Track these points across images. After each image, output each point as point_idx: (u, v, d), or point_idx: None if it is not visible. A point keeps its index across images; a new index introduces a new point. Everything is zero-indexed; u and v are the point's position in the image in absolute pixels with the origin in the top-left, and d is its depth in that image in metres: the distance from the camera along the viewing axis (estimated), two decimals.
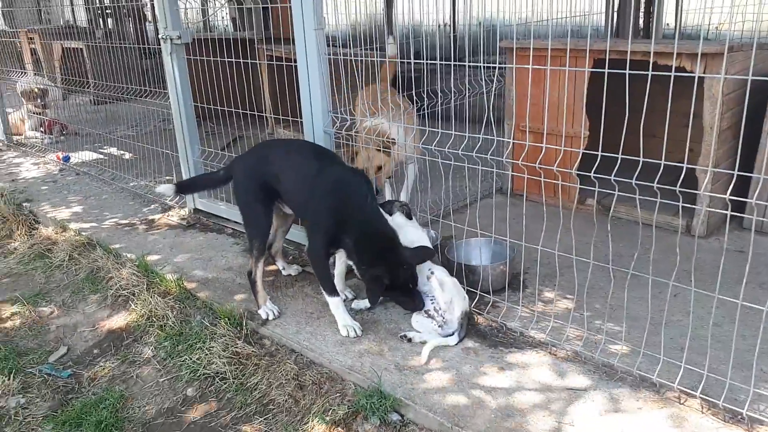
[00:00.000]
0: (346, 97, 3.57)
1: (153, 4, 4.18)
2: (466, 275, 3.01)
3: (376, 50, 4.43)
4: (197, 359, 2.85)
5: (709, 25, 5.69)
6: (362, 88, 3.64)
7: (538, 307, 2.91)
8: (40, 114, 7.02)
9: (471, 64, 2.83)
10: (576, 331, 2.68)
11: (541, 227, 2.62)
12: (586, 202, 4.04)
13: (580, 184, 3.65)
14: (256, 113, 4.06)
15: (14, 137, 7.14)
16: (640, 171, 2.19)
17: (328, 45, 3.34)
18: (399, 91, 4.12)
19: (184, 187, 3.75)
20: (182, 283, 3.40)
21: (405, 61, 3.97)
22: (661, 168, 2.16)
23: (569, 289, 2.97)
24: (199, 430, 2.55)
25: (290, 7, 3.25)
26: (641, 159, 2.19)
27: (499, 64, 3.60)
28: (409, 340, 2.74)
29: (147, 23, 9.62)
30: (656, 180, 2.19)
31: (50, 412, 2.72)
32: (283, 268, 3.47)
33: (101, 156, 6.22)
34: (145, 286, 3.45)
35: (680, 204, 2.14)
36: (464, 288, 2.88)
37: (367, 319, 2.96)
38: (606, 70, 2.36)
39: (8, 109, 7.18)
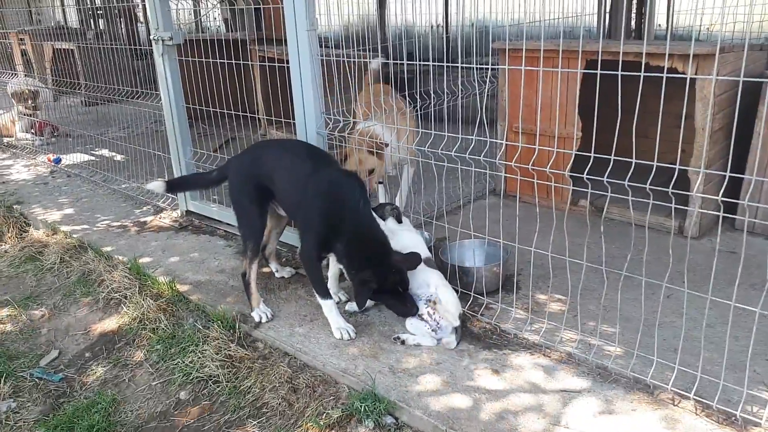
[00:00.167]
0: (339, 98, 3.56)
1: (144, 4, 4.16)
2: (459, 277, 3.01)
3: (369, 51, 4.42)
4: (190, 362, 2.83)
5: (700, 26, 5.72)
6: (359, 90, 3.64)
7: (531, 309, 2.91)
8: (30, 116, 6.97)
9: (464, 65, 2.83)
10: (569, 333, 2.68)
11: (535, 228, 2.62)
12: (579, 203, 4.05)
13: (573, 186, 3.65)
14: (248, 114, 4.05)
15: (5, 139, 7.11)
16: (633, 172, 2.20)
17: (321, 46, 3.34)
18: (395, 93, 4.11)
19: (174, 185, 3.70)
20: (174, 286, 3.38)
21: (398, 62, 3.97)
22: (654, 169, 2.17)
23: (563, 290, 2.97)
24: None
25: (282, 7, 3.24)
26: (634, 160, 2.19)
27: (492, 65, 3.61)
28: (403, 342, 2.73)
29: (138, 24, 9.57)
30: (649, 181, 2.20)
31: (42, 416, 2.70)
32: (277, 271, 3.45)
33: (92, 158, 6.18)
34: (137, 289, 3.42)
35: (673, 205, 2.14)
36: (457, 290, 2.87)
37: (361, 322, 2.95)
38: (598, 71, 2.36)
39: None
